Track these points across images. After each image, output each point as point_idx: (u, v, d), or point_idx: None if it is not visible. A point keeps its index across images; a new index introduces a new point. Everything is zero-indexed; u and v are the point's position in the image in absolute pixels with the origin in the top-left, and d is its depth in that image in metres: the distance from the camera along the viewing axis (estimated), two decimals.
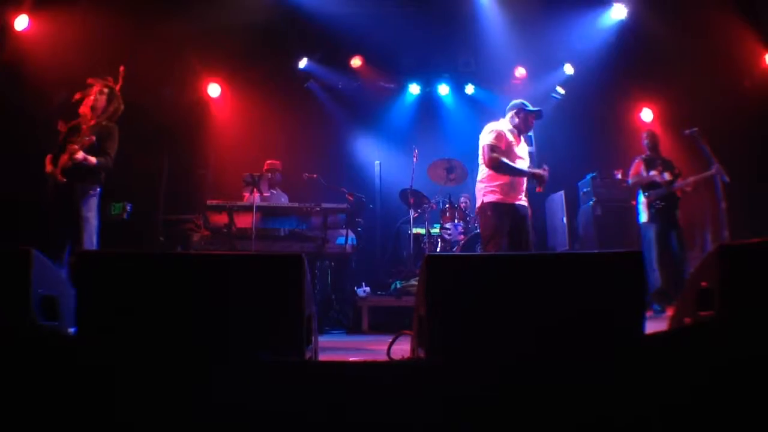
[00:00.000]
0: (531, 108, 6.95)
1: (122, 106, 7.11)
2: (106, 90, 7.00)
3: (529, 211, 6.91)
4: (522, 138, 7.02)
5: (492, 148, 6.69)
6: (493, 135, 6.74)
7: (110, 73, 7.19)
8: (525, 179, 6.81)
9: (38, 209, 7.10)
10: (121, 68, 7.10)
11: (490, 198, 6.72)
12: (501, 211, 6.65)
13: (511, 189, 6.69)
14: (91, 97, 6.93)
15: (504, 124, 6.93)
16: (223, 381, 2.84)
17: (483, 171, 6.90)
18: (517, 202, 6.73)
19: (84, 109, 6.93)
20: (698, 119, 8.96)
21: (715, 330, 2.90)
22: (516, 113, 6.93)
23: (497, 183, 6.71)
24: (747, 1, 9.89)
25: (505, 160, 6.65)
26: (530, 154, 11.01)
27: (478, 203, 6.93)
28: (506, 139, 6.75)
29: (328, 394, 2.88)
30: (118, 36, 9.23)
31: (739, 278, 2.97)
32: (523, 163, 6.86)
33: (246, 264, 3.34)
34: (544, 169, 6.75)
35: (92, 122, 6.86)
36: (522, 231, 6.67)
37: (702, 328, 3.05)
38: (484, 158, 6.79)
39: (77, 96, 7.02)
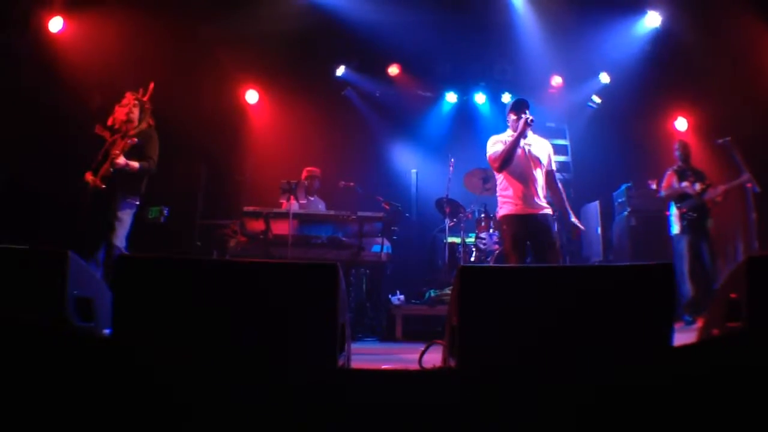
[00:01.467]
0: (510, 104, 7.02)
1: (153, 122, 7.29)
2: (137, 102, 7.14)
3: (554, 222, 6.86)
4: (531, 135, 6.88)
5: (492, 155, 6.75)
6: (491, 144, 6.81)
7: (145, 80, 7.34)
8: (539, 186, 6.71)
9: (73, 211, 7.25)
10: (151, 84, 7.24)
11: (505, 210, 6.75)
12: (516, 224, 6.63)
13: (523, 198, 6.64)
14: (125, 110, 7.08)
15: (505, 133, 6.91)
16: (254, 386, 2.90)
17: (497, 181, 6.97)
18: (534, 212, 6.63)
19: (119, 125, 7.08)
20: (729, 128, 8.90)
21: (742, 341, 2.90)
22: (507, 117, 6.94)
23: (508, 192, 6.73)
24: None
25: (499, 150, 6.68)
26: (565, 163, 10.94)
27: (498, 217, 6.97)
28: (503, 141, 6.75)
29: (360, 401, 2.93)
30: (156, 40, 9.39)
31: None
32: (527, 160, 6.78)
33: (282, 272, 3.38)
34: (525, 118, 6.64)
35: (131, 132, 7.00)
36: (542, 242, 6.60)
37: (729, 339, 3.06)
38: (492, 167, 6.88)
39: (109, 122, 7.17)
